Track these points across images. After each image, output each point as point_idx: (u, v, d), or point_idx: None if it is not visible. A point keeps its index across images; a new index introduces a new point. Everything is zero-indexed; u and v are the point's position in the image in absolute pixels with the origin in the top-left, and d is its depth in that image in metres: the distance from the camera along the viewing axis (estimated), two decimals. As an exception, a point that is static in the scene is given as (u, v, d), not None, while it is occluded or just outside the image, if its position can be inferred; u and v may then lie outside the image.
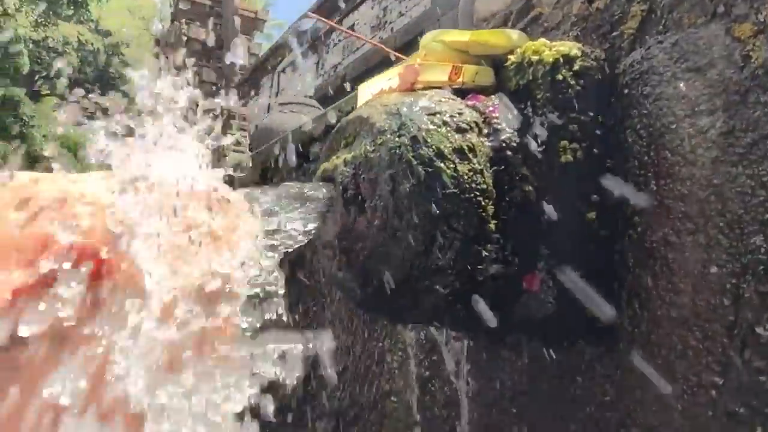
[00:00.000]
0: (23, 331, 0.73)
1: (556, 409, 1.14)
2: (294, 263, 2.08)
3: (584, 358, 1.10)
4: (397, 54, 1.48)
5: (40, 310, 0.74)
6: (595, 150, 1.07)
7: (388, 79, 1.18)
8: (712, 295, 0.93)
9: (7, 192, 0.85)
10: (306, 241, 0.99)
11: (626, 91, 1.09)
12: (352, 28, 7.96)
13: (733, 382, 0.89)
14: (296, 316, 2.11)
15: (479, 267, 1.01)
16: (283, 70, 10.15)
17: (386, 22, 7.27)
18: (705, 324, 0.93)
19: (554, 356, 1.14)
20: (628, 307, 1.05)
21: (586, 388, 1.09)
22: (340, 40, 8.09)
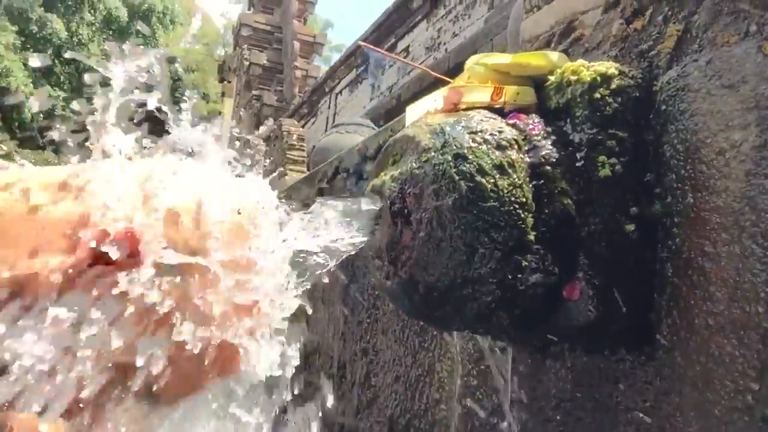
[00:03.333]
0: None
1: (599, 415, 1.18)
2: (347, 277, 2.17)
3: (625, 365, 1.14)
4: (442, 77, 1.55)
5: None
6: (633, 164, 1.12)
7: (433, 101, 1.25)
8: (747, 304, 0.95)
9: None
10: (354, 253, 1.07)
11: (663, 107, 1.14)
12: (407, 49, 8.11)
13: (769, 388, 0.91)
14: (351, 328, 2.19)
15: (519, 276, 1.06)
16: (340, 92, 10.39)
17: (440, 42, 7.39)
18: (740, 331, 0.96)
19: (596, 364, 1.18)
20: (667, 316, 1.08)
21: (627, 394, 1.13)
22: (395, 62, 8.25)
